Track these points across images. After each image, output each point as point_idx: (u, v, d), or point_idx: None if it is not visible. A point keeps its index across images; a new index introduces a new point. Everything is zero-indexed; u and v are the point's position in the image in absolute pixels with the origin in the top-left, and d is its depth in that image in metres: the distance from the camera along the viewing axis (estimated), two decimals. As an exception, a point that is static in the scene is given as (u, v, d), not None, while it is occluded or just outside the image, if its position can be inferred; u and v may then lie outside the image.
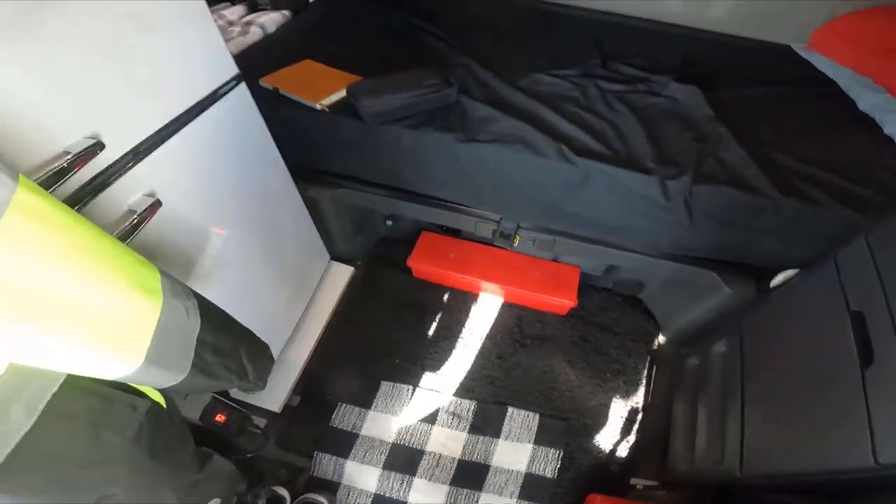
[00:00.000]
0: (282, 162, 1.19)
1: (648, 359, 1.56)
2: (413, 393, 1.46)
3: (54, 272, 0.45)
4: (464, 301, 1.65)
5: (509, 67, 1.39)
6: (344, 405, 1.43)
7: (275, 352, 1.38)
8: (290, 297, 1.43)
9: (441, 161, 1.17)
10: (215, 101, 0.94)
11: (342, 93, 1.17)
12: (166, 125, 0.84)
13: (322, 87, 1.20)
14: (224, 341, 0.71)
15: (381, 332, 1.58)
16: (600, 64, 1.47)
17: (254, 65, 1.36)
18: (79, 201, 0.71)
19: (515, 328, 1.60)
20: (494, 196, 1.23)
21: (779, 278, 1.15)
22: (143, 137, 0.80)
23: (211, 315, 0.68)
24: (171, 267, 0.94)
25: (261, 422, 1.37)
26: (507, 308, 1.64)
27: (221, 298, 1.07)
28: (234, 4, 1.74)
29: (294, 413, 1.41)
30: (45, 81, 0.64)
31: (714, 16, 1.76)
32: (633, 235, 1.24)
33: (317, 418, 1.41)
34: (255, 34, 1.56)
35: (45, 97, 0.65)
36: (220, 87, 0.95)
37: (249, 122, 1.06)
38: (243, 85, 1.00)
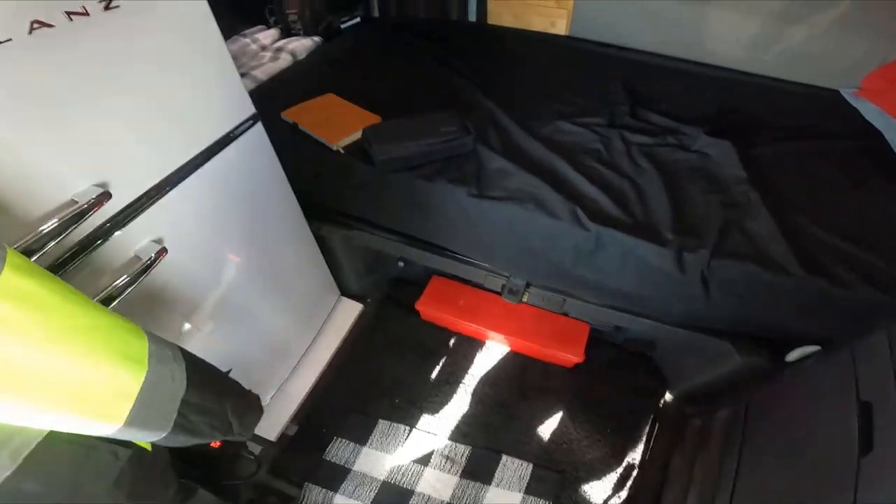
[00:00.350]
0: (294, 200, 1.19)
1: (651, 416, 1.50)
2: (409, 433, 1.44)
3: (39, 353, 0.46)
4: (469, 347, 1.63)
5: (533, 112, 1.36)
6: (339, 439, 1.43)
7: (277, 382, 1.41)
8: (297, 329, 1.44)
9: (452, 214, 1.15)
10: (230, 143, 0.94)
11: (359, 134, 1.17)
12: (178, 169, 0.84)
13: (340, 126, 1.21)
14: (209, 401, 0.71)
15: (384, 371, 1.57)
16: (628, 111, 1.42)
17: (278, 94, 1.39)
18: (84, 249, 0.72)
19: (518, 377, 1.57)
20: (504, 253, 1.21)
21: (794, 354, 1.09)
22: (154, 183, 0.81)
23: (198, 375, 0.68)
24: (176, 306, 0.96)
25: (255, 448, 1.37)
26: (512, 356, 1.61)
27: (226, 329, 1.07)
28: (269, 28, 1.77)
29: (290, 442, 1.42)
30: (53, 128, 0.65)
31: (757, 56, 1.66)
32: (645, 302, 1.19)
33: (311, 450, 1.41)
34: (284, 60, 1.59)
35: (53, 144, 0.66)
36: (236, 128, 0.95)
37: (264, 161, 1.06)
38: (259, 125, 1.00)
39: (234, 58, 1.54)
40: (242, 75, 1.46)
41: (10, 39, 0.57)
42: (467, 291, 1.54)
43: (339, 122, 1.22)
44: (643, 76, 1.61)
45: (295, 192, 1.18)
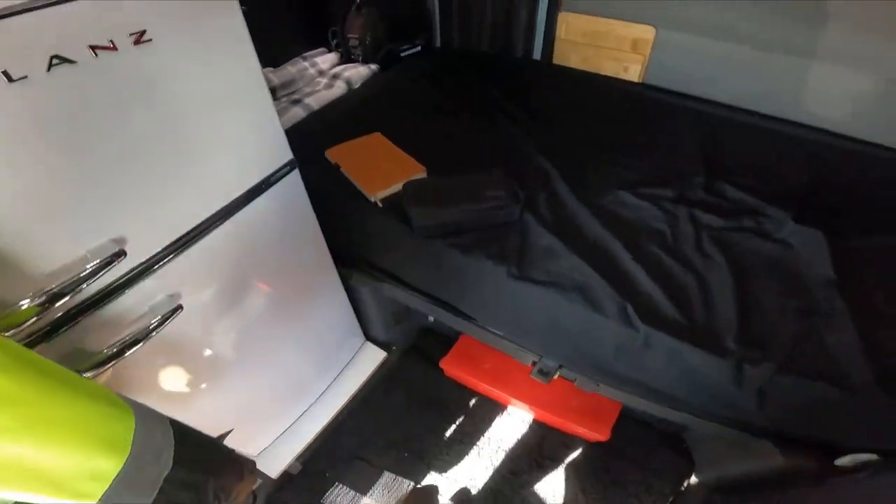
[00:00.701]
0: (324, 245, 1.15)
1: (670, 500, 1.36)
2: (412, 490, 1.37)
3: (7, 447, 0.43)
4: (490, 409, 1.54)
5: (592, 176, 1.23)
6: (341, 486, 1.38)
7: (289, 420, 1.38)
8: (316, 371, 1.40)
9: (488, 290, 1.06)
10: (262, 192, 0.89)
11: (399, 186, 1.11)
12: (202, 223, 0.81)
13: (382, 175, 1.14)
14: (196, 476, 0.66)
15: (398, 423, 1.51)
16: (703, 182, 1.24)
17: (327, 127, 1.37)
18: (93, 305, 0.70)
19: (536, 447, 1.46)
20: (539, 336, 1.10)
21: (846, 459, 0.92)
22: (174, 239, 0.77)
23: (188, 451, 0.64)
24: (190, 354, 0.93)
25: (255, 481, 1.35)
26: (533, 424, 1.51)
27: (243, 368, 1.04)
28: (330, 52, 1.76)
29: (290, 481, 1.39)
30: (67, 175, 0.61)
31: (865, 120, 1.37)
32: (688, 403, 1.04)
33: (310, 492, 1.37)
34: (339, 88, 1.56)
35: (66, 193, 0.62)
36: (271, 175, 0.91)
37: (297, 209, 1.02)
38: (296, 171, 0.96)
39: (291, 82, 1.57)
40: (295, 102, 1.45)
41: (26, 77, 0.53)
42: (495, 355, 1.44)
43: (381, 170, 1.16)
44: (723, 136, 1.42)
45: (325, 235, 1.14)
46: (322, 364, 1.41)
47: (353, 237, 1.21)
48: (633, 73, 1.69)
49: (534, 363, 1.16)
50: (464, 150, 1.29)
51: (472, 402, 1.56)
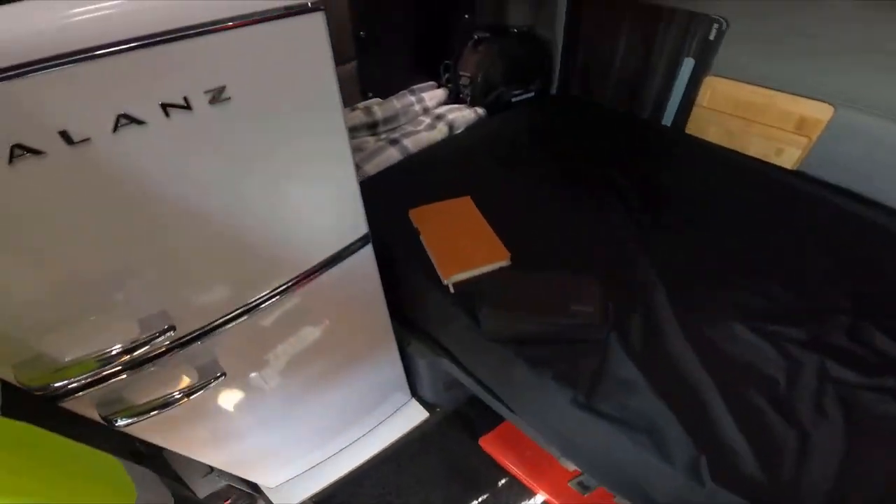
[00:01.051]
0: (387, 313, 1.06)
1: None
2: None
3: None
4: (518, 494, 1.41)
5: (705, 297, 0.99)
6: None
7: (314, 460, 1.34)
8: (355, 419, 1.36)
9: (546, 406, 0.91)
10: (327, 267, 0.82)
11: (476, 272, 0.99)
12: (260, 297, 0.75)
13: (461, 254, 1.02)
14: None
15: (422, 486, 1.42)
16: (847, 324, 0.94)
17: (417, 178, 1.27)
18: (140, 364, 0.67)
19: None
20: (586, 457, 0.93)
21: None
22: (223, 315, 0.72)
23: None
24: (229, 407, 0.90)
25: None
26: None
27: (283, 411, 1.05)
28: (439, 87, 1.68)
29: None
30: (122, 242, 0.57)
31: None
32: None
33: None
34: (440, 132, 1.47)
35: (121, 262, 0.59)
36: (342, 250, 0.83)
37: (363, 281, 0.94)
38: (368, 247, 0.87)
39: (394, 117, 1.50)
40: (393, 143, 1.37)
41: (89, 139, 0.47)
42: (537, 447, 1.28)
43: (460, 248, 1.04)
44: (889, 259, 1.08)
45: (388, 293, 1.03)
46: (362, 414, 1.37)
47: (418, 310, 1.12)
48: (789, 159, 1.38)
49: (576, 473, 1.01)
50: (560, 233, 1.14)
51: (502, 481, 1.43)
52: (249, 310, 0.75)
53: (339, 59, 1.52)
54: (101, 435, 0.67)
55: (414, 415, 1.46)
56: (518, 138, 1.46)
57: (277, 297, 0.77)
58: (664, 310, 0.96)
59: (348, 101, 1.55)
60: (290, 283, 0.77)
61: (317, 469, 1.35)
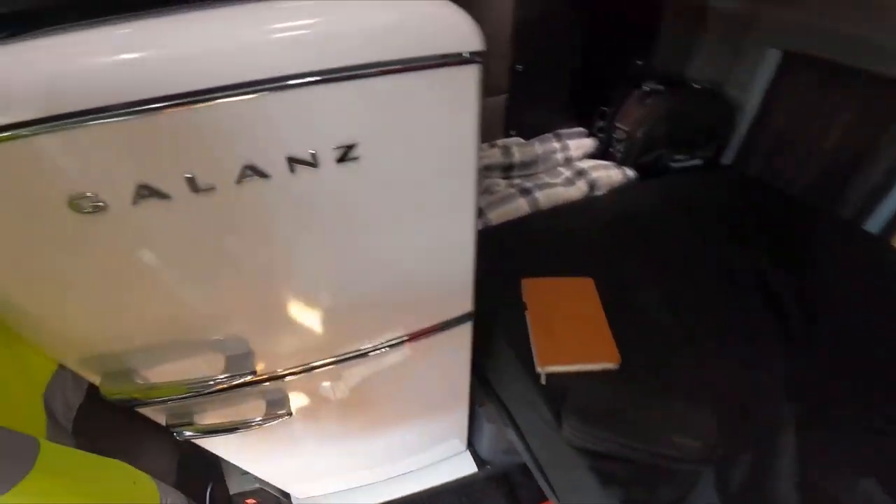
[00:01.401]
0: (469, 376, 0.96)
1: None
2: None
3: None
4: None
5: (836, 440, 0.74)
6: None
7: (350, 484, 1.31)
8: (403, 455, 1.28)
9: None
10: (420, 337, 0.75)
11: (575, 368, 0.84)
12: (341, 356, 0.72)
13: (565, 344, 0.87)
14: None
15: None
16: None
17: (539, 242, 1.15)
18: (214, 393, 0.66)
19: None
20: None
21: None
22: (307, 363, 0.70)
23: None
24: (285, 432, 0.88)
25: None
26: None
27: (337, 439, 1.01)
28: (588, 136, 1.53)
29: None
30: (228, 287, 0.57)
31: None
32: None
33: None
34: (578, 190, 1.32)
35: (222, 306, 0.59)
36: (441, 324, 0.76)
37: (452, 355, 0.86)
38: (469, 324, 0.78)
39: (532, 163, 1.39)
40: (524, 192, 1.27)
41: (214, 188, 0.46)
42: None
43: (566, 336, 0.89)
44: None
45: (472, 352, 0.92)
46: (412, 453, 1.29)
47: (501, 384, 0.99)
48: None
49: None
50: (685, 347, 0.91)
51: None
52: (323, 366, 0.72)
53: (491, 90, 1.49)
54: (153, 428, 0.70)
55: (464, 466, 1.36)
56: (669, 215, 1.23)
57: (361, 357, 0.73)
58: (782, 454, 0.73)
59: (489, 136, 1.48)
60: (381, 347, 0.73)
61: (350, 492, 1.33)
